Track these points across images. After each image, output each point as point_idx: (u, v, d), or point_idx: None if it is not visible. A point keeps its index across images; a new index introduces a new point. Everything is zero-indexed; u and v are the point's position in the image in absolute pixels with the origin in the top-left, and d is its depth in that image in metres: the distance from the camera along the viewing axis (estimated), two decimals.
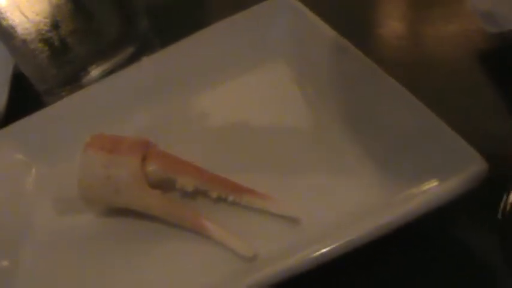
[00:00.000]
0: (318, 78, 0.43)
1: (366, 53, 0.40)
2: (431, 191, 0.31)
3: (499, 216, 0.32)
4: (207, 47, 0.49)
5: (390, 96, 0.37)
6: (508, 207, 0.33)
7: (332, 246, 0.30)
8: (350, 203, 0.34)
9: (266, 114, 0.43)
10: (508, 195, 0.33)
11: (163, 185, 0.38)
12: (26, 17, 0.50)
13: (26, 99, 0.57)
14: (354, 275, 0.33)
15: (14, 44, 0.52)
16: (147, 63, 0.50)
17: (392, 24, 0.53)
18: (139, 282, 0.36)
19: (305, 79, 0.44)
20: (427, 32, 0.50)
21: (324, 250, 0.30)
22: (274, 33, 0.48)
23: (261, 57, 0.47)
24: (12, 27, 0.50)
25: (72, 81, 0.53)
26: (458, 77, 0.44)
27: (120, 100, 0.49)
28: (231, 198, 0.36)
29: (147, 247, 0.37)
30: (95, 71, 0.53)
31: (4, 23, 0.50)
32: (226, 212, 0.37)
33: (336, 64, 0.42)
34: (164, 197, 0.38)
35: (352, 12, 0.54)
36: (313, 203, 0.35)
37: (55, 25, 0.50)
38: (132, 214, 0.39)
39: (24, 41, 0.51)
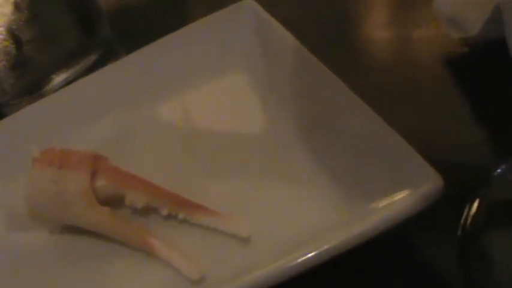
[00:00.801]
0: (279, 87, 0.41)
1: (331, 60, 0.39)
2: (386, 208, 0.29)
3: (459, 232, 0.30)
4: (169, 54, 0.47)
5: (347, 108, 0.35)
6: (469, 221, 0.31)
7: (283, 267, 0.28)
8: (304, 219, 0.33)
9: (223, 124, 0.41)
10: (468, 210, 0.31)
11: (113, 201, 0.36)
12: None
13: None
14: None
15: None
16: (107, 71, 0.48)
17: (359, 29, 0.51)
18: None
19: (266, 88, 0.42)
20: (395, 37, 0.48)
21: (275, 271, 0.28)
22: (237, 41, 0.46)
23: (223, 64, 0.45)
24: None
25: (33, 91, 0.51)
26: (424, 82, 0.42)
27: (79, 110, 0.47)
28: (181, 215, 0.34)
29: (97, 267, 0.35)
30: (56, 80, 0.51)
31: None
32: (176, 230, 0.35)
33: (296, 73, 0.40)
34: (112, 214, 0.36)
35: (320, 18, 0.52)
36: (267, 220, 0.33)
37: (11, 34, 0.48)
38: (86, 231, 0.37)
39: None
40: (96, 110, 0.46)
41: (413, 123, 0.34)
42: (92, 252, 0.36)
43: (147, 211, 0.36)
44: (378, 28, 0.50)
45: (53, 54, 0.51)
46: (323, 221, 0.32)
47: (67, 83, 0.51)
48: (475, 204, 0.30)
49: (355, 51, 0.48)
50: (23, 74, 0.50)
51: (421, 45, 0.46)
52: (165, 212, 0.35)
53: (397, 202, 0.29)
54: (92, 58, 0.52)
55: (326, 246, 0.28)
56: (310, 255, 0.28)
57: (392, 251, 0.32)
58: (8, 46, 0.48)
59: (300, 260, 0.28)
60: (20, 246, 0.39)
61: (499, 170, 0.31)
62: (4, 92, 0.51)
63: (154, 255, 0.33)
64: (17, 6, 0.47)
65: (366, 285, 0.31)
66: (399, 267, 0.31)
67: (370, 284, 0.31)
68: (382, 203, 0.29)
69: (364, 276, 0.31)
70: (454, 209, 0.31)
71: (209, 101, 0.44)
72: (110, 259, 0.35)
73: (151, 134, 0.44)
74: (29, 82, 0.51)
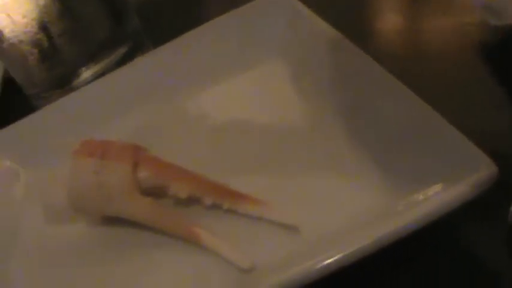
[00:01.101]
0: (316, 76, 0.41)
1: (363, 49, 0.38)
2: (438, 196, 0.28)
3: (510, 221, 0.30)
4: (202, 45, 0.47)
5: (391, 94, 0.35)
6: None
7: (336, 257, 0.28)
8: (351, 209, 0.32)
9: (263, 115, 0.41)
10: None
11: (156, 192, 0.36)
12: (12, 19, 0.47)
13: (14, 104, 0.55)
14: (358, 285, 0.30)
15: (2, 48, 0.49)
16: (138, 64, 0.48)
17: (390, 19, 0.51)
18: None
19: (303, 77, 0.42)
20: (426, 26, 0.48)
21: (328, 261, 0.28)
22: (270, 31, 0.45)
23: (256, 55, 0.45)
24: (0, 31, 0.48)
25: (63, 84, 0.51)
26: (458, 71, 0.41)
27: (111, 103, 0.46)
28: (226, 205, 0.34)
29: (140, 257, 0.35)
30: (85, 73, 0.51)
31: None
32: (221, 220, 0.34)
33: (333, 61, 0.40)
34: (156, 204, 0.35)
35: (349, 8, 0.51)
36: (313, 209, 0.33)
37: (43, 27, 0.47)
38: (125, 222, 0.36)
39: (12, 44, 0.48)
40: (128, 103, 0.46)
41: (452, 111, 0.34)
42: (133, 243, 0.36)
43: (190, 202, 0.35)
44: (409, 17, 0.50)
45: (84, 47, 0.50)
46: (372, 209, 0.31)
47: (97, 76, 0.51)
48: None
49: (384, 40, 0.48)
50: (54, 67, 0.50)
51: (454, 34, 0.45)
52: (209, 202, 0.34)
53: (450, 189, 0.28)
54: (121, 51, 0.52)
55: (378, 235, 0.28)
56: (362, 244, 0.28)
57: (440, 239, 0.31)
58: (39, 39, 0.48)
59: (352, 250, 0.28)
60: (60, 238, 0.39)
61: None
62: (35, 85, 0.51)
63: (201, 245, 0.33)
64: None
65: (414, 276, 0.30)
66: (447, 256, 0.31)
67: (418, 274, 0.30)
68: (434, 190, 0.29)
69: (411, 266, 0.31)
70: (505, 196, 0.30)
71: (245, 92, 0.43)
72: (153, 250, 0.35)
73: (186, 126, 0.43)
74: (59, 75, 0.50)
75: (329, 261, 0.28)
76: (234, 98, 0.43)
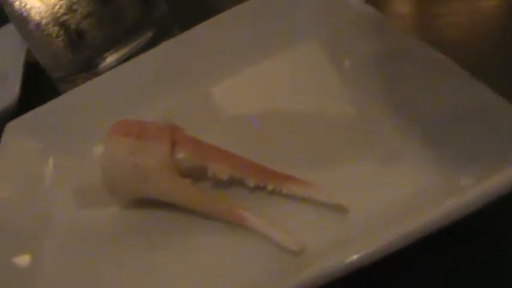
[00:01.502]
0: (354, 57, 0.39)
1: None
2: (497, 176, 0.26)
3: None
4: (233, 29, 0.45)
5: (437, 72, 0.33)
6: None
7: (390, 239, 0.25)
8: (400, 191, 0.30)
9: (301, 97, 0.39)
10: None
11: (194, 174, 0.34)
12: (40, 0, 0.45)
13: (39, 88, 0.54)
14: (411, 269, 0.29)
15: (28, 29, 0.47)
16: (167, 47, 0.46)
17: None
18: (173, 280, 0.31)
19: (340, 58, 0.40)
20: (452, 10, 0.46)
21: (382, 243, 0.26)
22: (303, 12, 0.44)
23: (290, 38, 0.43)
24: (26, 11, 0.46)
25: (88, 68, 0.49)
26: (495, 54, 0.40)
27: (139, 86, 0.45)
28: (270, 186, 0.32)
29: (180, 241, 0.33)
30: (111, 58, 0.50)
31: (17, 6, 0.46)
32: (264, 202, 0.33)
33: (372, 41, 0.38)
34: (196, 186, 0.34)
35: None
36: (360, 191, 0.31)
37: (70, 8, 0.46)
38: (160, 205, 0.35)
39: (38, 25, 0.47)
40: (156, 87, 0.45)
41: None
42: (169, 227, 0.34)
43: (231, 184, 0.34)
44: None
45: (111, 30, 0.49)
46: (424, 190, 0.29)
47: (123, 60, 0.49)
48: None
49: (424, 26, 0.46)
50: (80, 50, 0.48)
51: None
52: (251, 183, 0.33)
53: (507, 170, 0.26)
54: (148, 35, 0.50)
55: (434, 216, 0.26)
56: (417, 226, 0.25)
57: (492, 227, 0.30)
58: (66, 20, 0.46)
59: (406, 232, 0.26)
60: (93, 222, 0.37)
61: None
62: (60, 68, 0.49)
63: (246, 227, 0.31)
64: None
65: (467, 262, 0.29)
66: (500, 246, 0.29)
67: (472, 261, 0.29)
68: (489, 171, 0.27)
69: (465, 252, 0.29)
70: None
71: (282, 74, 0.42)
72: (191, 234, 0.33)
73: (222, 109, 0.42)
74: (85, 58, 0.49)
75: (383, 243, 0.26)
76: (270, 80, 0.41)
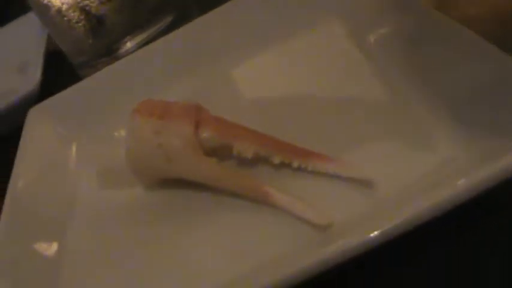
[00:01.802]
0: (376, 33, 0.39)
1: None
2: None
3: None
4: (252, 10, 0.44)
5: (463, 47, 0.32)
6: None
7: (417, 212, 0.25)
8: (427, 165, 0.30)
9: (324, 75, 0.38)
10: None
11: (219, 152, 0.34)
12: None
13: (61, 74, 0.53)
14: (440, 240, 0.28)
15: (49, 15, 0.47)
16: (186, 30, 0.46)
17: None
18: (199, 259, 0.31)
19: (362, 35, 0.40)
20: None
21: (409, 215, 0.25)
22: None
23: (311, 17, 0.42)
24: None
25: (109, 53, 0.49)
26: None
27: (159, 69, 0.45)
28: (295, 163, 0.32)
29: (206, 220, 0.33)
30: (131, 42, 0.49)
31: None
32: (290, 179, 0.32)
33: (395, 16, 0.37)
34: (221, 165, 0.33)
35: None
36: (387, 166, 0.31)
37: None
38: (185, 185, 0.35)
39: (59, 11, 0.46)
40: (178, 70, 0.44)
41: None
42: (195, 206, 0.34)
43: (256, 161, 0.33)
44: None
45: (131, 14, 0.48)
46: (452, 164, 0.29)
47: (143, 44, 0.49)
48: None
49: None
50: (101, 35, 0.48)
51: None
52: (277, 160, 0.32)
53: None
54: (168, 19, 0.50)
55: (461, 189, 0.25)
56: (442, 199, 0.25)
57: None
58: (87, 5, 0.46)
59: (432, 204, 0.25)
60: (118, 203, 0.37)
61: None
62: (81, 53, 0.49)
63: (272, 204, 0.31)
64: None
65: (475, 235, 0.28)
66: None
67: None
68: None
69: (473, 226, 0.28)
70: None
71: (305, 53, 0.41)
72: (217, 212, 0.33)
73: (245, 89, 0.42)
74: (106, 43, 0.48)
75: (410, 216, 0.25)
76: (292, 60, 0.41)
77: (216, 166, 0.33)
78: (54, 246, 0.36)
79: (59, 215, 0.38)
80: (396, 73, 0.35)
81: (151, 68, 0.44)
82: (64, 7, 0.46)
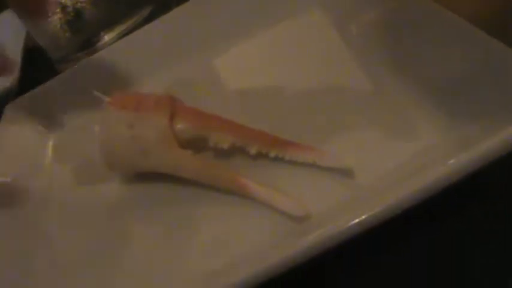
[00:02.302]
0: (358, 21, 0.37)
1: None
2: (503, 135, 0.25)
3: None
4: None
5: (445, 31, 0.31)
6: None
7: (399, 199, 0.24)
8: (408, 152, 0.28)
9: (305, 64, 0.37)
10: None
11: (195, 144, 0.32)
12: None
13: (40, 70, 0.52)
14: (424, 228, 0.27)
15: (26, 11, 0.46)
16: (163, 21, 0.44)
17: None
18: (177, 252, 0.30)
19: (345, 24, 0.38)
20: None
21: (389, 204, 0.24)
22: None
23: (291, 6, 0.41)
24: None
25: (87, 46, 0.47)
26: None
27: (137, 61, 0.43)
28: (273, 153, 0.30)
29: (182, 213, 0.32)
30: (109, 35, 0.48)
31: None
32: (268, 170, 0.31)
33: (377, 4, 0.36)
34: (197, 157, 0.32)
35: None
36: (367, 154, 0.29)
37: None
38: (160, 178, 0.33)
39: None
40: (156, 62, 0.43)
41: None
42: (171, 200, 0.33)
43: (233, 152, 0.32)
44: None
45: (108, 8, 0.47)
46: (432, 150, 0.28)
47: (121, 37, 0.47)
48: None
49: None
50: (78, 29, 0.46)
51: None
52: (253, 151, 0.31)
53: None
54: (146, 11, 0.49)
55: (441, 173, 0.24)
56: (421, 186, 0.24)
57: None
58: (63, 1, 0.44)
59: (412, 192, 0.24)
60: (93, 198, 0.36)
61: None
62: (59, 48, 0.48)
63: (249, 196, 0.29)
64: None
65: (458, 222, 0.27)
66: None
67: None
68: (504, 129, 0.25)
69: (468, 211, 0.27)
70: None
71: (285, 43, 0.40)
72: (193, 206, 0.32)
73: (223, 81, 0.40)
74: (84, 36, 0.47)
75: (390, 204, 0.24)
76: (272, 50, 0.40)
77: (191, 158, 0.31)
78: (31, 238, 0.35)
79: (35, 209, 0.36)
80: (378, 62, 0.34)
81: (128, 60, 0.43)
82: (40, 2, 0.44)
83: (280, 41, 0.40)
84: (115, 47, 0.44)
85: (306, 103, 0.34)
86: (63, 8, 0.45)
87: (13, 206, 0.37)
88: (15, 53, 0.53)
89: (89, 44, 0.47)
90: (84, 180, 0.37)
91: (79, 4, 0.45)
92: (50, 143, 0.41)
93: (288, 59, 0.38)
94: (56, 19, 0.45)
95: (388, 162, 0.28)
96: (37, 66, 0.52)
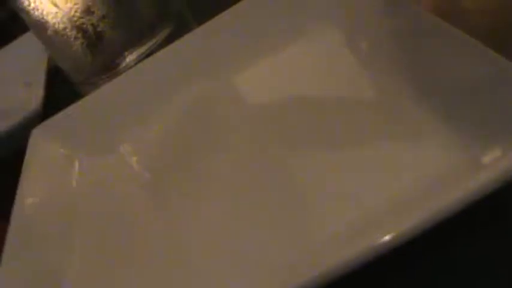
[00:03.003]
0: (371, 38, 0.37)
1: None
2: None
3: None
4: (248, 19, 0.43)
5: (455, 47, 0.30)
6: None
7: (410, 224, 0.23)
8: (422, 170, 0.28)
9: (319, 80, 0.37)
10: None
11: None
12: (56, 5, 0.44)
13: (63, 93, 0.53)
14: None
15: (47, 35, 0.46)
16: (185, 41, 0.45)
17: None
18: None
19: (357, 41, 0.38)
20: None
21: (401, 229, 0.23)
22: None
23: (304, 24, 0.41)
24: (43, 18, 0.45)
25: (109, 68, 0.48)
26: None
27: (160, 82, 0.44)
28: None
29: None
30: (130, 56, 0.48)
31: (35, 14, 0.45)
32: None
33: (389, 20, 0.36)
34: None
35: None
36: (381, 172, 0.29)
37: (87, 11, 0.45)
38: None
39: (56, 31, 0.46)
40: (178, 82, 0.44)
41: None
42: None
43: None
44: None
45: (128, 29, 0.47)
46: (446, 168, 0.27)
47: (142, 58, 0.48)
48: None
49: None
50: (100, 51, 0.47)
51: None
52: None
53: None
54: (166, 31, 0.49)
55: (455, 197, 0.23)
56: (437, 209, 0.23)
57: None
58: (83, 23, 0.45)
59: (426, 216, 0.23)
60: (120, 217, 0.36)
61: None
62: (81, 71, 0.48)
63: None
64: None
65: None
66: None
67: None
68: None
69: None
70: None
71: (300, 61, 0.40)
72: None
73: (240, 101, 0.40)
74: (105, 60, 0.48)
75: (402, 229, 0.23)
76: (287, 69, 0.40)
77: None
78: (62, 264, 0.35)
79: (64, 233, 0.37)
80: (390, 77, 0.34)
81: (151, 82, 0.43)
82: (60, 26, 0.45)
83: (295, 57, 0.40)
84: (136, 70, 0.45)
85: (322, 120, 0.34)
86: (84, 32, 0.45)
87: (43, 229, 0.37)
88: (38, 75, 0.54)
89: (110, 67, 0.48)
90: (110, 202, 0.37)
91: (99, 27, 0.46)
92: (76, 166, 0.42)
93: (302, 76, 0.38)
94: (77, 43, 0.46)
95: (403, 180, 0.28)
96: (61, 88, 0.53)
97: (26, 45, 0.60)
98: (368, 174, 0.29)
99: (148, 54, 0.47)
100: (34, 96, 0.50)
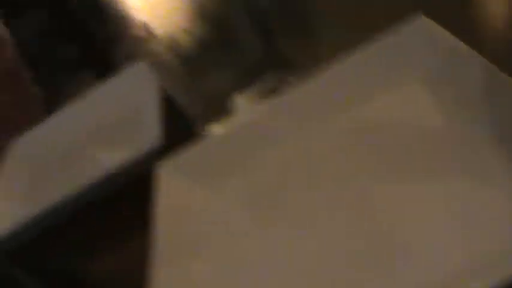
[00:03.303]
0: (453, 90, 0.42)
1: None
2: None
3: None
4: (344, 76, 0.49)
5: None
6: None
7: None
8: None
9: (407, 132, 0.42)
10: None
11: None
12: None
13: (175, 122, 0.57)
14: None
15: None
16: (294, 93, 0.50)
17: None
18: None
19: (447, 104, 0.42)
20: None
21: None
22: (412, 56, 0.47)
23: (394, 79, 0.47)
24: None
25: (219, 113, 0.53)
26: None
27: (276, 126, 0.49)
28: None
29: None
30: (239, 100, 0.53)
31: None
32: None
33: (482, 92, 0.40)
34: None
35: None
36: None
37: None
38: None
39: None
40: (287, 131, 0.49)
41: None
42: None
43: None
44: None
45: (237, 70, 0.53)
46: None
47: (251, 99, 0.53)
48: None
49: None
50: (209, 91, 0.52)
51: None
52: None
53: None
54: (268, 75, 0.54)
55: None
56: None
57: None
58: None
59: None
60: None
61: None
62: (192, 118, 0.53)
63: None
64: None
65: None
66: None
67: None
68: None
69: None
70: None
71: (390, 115, 0.45)
72: None
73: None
74: (215, 99, 0.53)
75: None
76: (378, 117, 0.45)
77: None
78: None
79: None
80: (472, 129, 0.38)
81: (270, 124, 0.49)
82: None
83: (384, 110, 0.45)
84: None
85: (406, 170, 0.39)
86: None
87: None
88: (151, 107, 0.57)
89: (221, 107, 0.53)
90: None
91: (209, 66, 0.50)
92: (206, 200, 0.47)
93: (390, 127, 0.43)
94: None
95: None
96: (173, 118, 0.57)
97: (134, 76, 0.62)
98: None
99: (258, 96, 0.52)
100: (151, 131, 0.54)
